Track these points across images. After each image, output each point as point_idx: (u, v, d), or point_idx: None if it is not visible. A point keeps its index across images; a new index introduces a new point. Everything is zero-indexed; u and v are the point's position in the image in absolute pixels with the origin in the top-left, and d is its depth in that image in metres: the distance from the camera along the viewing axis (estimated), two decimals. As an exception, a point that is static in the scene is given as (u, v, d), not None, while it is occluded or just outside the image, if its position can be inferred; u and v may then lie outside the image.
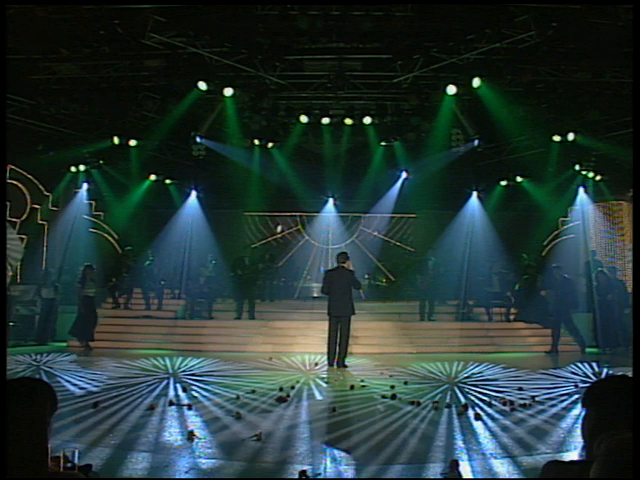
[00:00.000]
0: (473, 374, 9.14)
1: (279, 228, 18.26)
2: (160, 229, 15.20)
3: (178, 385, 7.83)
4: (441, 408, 6.49)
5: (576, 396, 7.13)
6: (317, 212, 17.37)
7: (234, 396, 7.07)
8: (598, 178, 14.49)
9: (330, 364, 9.81)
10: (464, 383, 8.26)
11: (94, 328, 12.04)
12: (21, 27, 8.88)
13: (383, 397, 7.15)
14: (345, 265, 10.22)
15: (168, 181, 15.70)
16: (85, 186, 15.15)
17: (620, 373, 2.27)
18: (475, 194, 15.61)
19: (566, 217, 16.55)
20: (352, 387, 7.88)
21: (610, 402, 1.73)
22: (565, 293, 12.08)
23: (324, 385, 8.31)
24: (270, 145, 14.35)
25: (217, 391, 7.45)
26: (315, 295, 15.62)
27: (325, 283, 10.22)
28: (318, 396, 7.48)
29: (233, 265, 14.00)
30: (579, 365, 9.84)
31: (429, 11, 9.58)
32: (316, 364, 9.98)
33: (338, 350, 9.88)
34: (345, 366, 9.80)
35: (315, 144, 15.24)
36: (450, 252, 14.82)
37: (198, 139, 13.98)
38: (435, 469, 4.40)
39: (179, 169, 15.70)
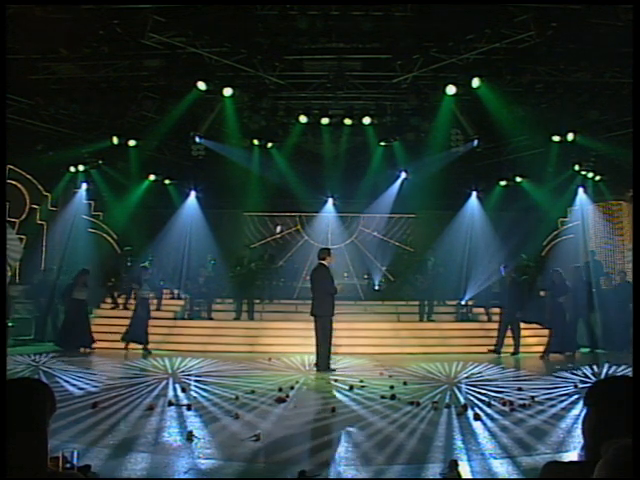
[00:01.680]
0: (472, 374, 9.14)
1: (278, 228, 18.24)
2: (159, 229, 15.18)
3: (177, 385, 7.83)
4: (440, 408, 6.48)
5: (575, 396, 7.13)
6: (316, 212, 17.35)
7: (233, 396, 7.06)
8: (597, 178, 14.48)
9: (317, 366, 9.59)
10: (463, 383, 8.26)
11: (148, 329, 11.83)
12: (21, 27, 8.87)
13: (382, 397, 7.14)
14: (325, 262, 9.76)
15: (167, 181, 15.69)
16: (84, 186, 15.16)
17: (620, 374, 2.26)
18: (475, 194, 15.62)
19: (565, 217, 16.54)
20: (351, 387, 7.87)
21: (610, 402, 1.73)
22: (512, 295, 11.80)
23: (323, 385, 8.31)
24: (269, 145, 14.30)
25: (216, 391, 7.44)
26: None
27: (310, 284, 10.05)
28: (317, 396, 7.48)
29: (232, 266, 14.00)
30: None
31: (429, 11, 9.55)
32: (316, 364, 9.96)
33: (315, 351, 9.52)
34: (330, 370, 9.33)
35: (314, 144, 15.22)
36: (449, 252, 14.81)
37: (197, 139, 13.95)
38: (434, 469, 4.39)
39: (178, 169, 15.69)
